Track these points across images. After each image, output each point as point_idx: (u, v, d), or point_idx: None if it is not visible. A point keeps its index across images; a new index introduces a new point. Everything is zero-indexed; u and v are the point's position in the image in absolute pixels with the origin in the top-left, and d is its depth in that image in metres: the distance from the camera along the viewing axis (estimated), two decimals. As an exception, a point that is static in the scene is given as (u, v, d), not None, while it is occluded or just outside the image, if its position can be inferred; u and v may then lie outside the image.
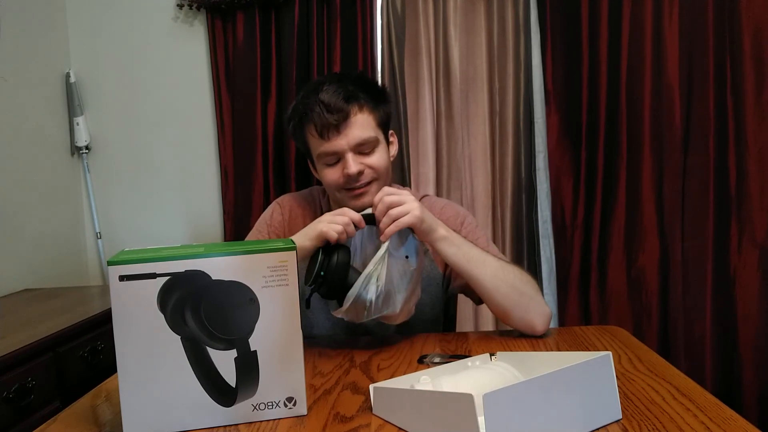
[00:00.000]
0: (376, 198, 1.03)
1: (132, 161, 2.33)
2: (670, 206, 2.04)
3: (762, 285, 1.99)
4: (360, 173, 1.13)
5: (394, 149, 1.24)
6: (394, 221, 1.00)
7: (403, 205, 1.02)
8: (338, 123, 1.11)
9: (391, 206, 1.01)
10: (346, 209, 1.05)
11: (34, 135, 2.12)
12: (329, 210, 1.22)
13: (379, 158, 1.16)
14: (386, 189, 1.06)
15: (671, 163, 2.03)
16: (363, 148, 1.14)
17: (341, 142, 1.12)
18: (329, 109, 1.11)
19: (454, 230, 1.21)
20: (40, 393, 1.38)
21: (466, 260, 1.07)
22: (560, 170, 2.09)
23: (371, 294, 0.97)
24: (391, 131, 1.24)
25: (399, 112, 2.10)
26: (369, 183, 1.15)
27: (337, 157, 1.14)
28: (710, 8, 1.97)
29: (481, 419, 0.62)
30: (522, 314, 1.09)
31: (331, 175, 1.16)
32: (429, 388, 0.79)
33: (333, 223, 1.01)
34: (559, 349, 1.04)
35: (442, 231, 1.06)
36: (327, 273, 0.99)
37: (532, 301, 1.10)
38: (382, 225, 1.01)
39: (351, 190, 1.15)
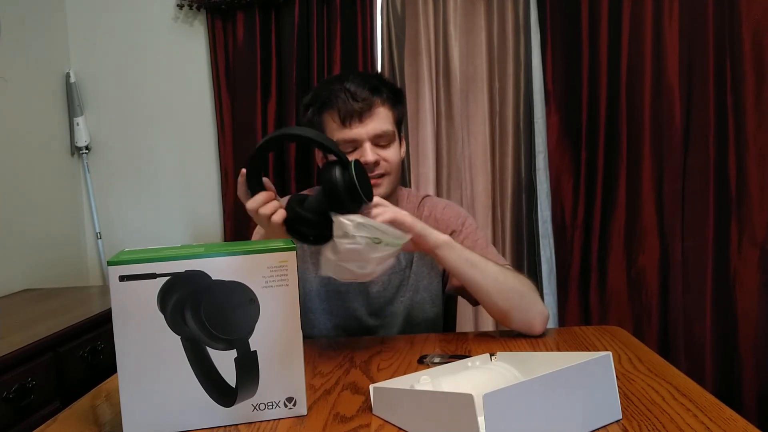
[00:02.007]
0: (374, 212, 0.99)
1: (132, 161, 2.33)
2: (670, 206, 2.04)
3: (762, 285, 1.99)
4: (376, 163, 1.15)
5: (402, 151, 1.26)
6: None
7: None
8: (362, 111, 1.13)
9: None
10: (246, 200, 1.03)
11: (34, 135, 2.12)
12: None
13: (393, 153, 1.18)
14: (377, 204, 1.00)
15: (671, 163, 2.03)
16: (380, 140, 1.16)
17: (361, 130, 1.14)
18: (354, 97, 1.13)
19: (455, 231, 1.22)
20: (40, 393, 1.38)
21: (469, 265, 1.07)
22: (560, 170, 2.09)
23: (357, 243, 0.88)
24: (401, 134, 1.25)
25: (399, 112, 2.10)
26: (381, 176, 1.17)
27: (354, 146, 1.16)
28: (710, 8, 1.97)
29: (481, 419, 0.62)
30: (522, 316, 1.09)
31: None
32: (429, 388, 0.79)
33: (263, 212, 1.01)
34: (559, 349, 1.04)
35: (441, 237, 1.06)
36: (308, 228, 0.96)
37: (531, 302, 1.11)
38: None
39: None
